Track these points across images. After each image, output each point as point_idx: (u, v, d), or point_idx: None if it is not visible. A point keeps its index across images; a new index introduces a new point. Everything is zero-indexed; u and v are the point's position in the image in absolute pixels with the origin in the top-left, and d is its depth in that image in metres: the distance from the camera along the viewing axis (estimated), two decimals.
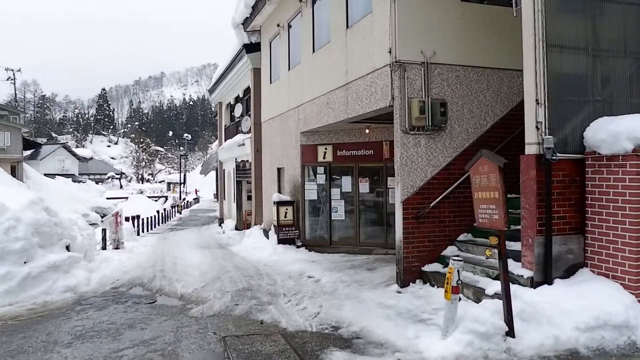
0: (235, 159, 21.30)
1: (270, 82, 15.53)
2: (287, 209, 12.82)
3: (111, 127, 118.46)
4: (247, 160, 19.23)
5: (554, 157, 6.37)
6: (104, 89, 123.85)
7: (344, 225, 12.55)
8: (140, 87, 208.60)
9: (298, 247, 12.73)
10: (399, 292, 7.85)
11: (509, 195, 6.83)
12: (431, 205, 8.18)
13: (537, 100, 6.44)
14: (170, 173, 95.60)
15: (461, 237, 8.39)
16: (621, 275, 6.08)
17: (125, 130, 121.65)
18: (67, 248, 9.00)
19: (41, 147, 63.53)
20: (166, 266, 11.14)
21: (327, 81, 10.98)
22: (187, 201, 51.81)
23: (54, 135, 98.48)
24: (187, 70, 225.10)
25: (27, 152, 53.04)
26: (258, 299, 7.69)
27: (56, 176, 50.12)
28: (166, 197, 69.77)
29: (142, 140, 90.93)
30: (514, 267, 6.53)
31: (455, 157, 8.44)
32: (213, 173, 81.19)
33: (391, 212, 11.88)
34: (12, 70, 64.76)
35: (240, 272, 10.13)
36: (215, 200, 63.67)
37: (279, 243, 12.68)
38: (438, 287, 7.68)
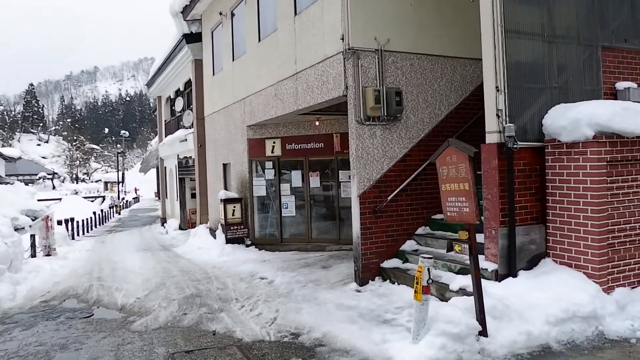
0: (177, 155, 20.33)
1: (214, 74, 14.78)
2: (234, 207, 12.19)
3: (41, 124, 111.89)
4: (190, 157, 18.35)
5: (515, 146, 6.17)
6: (31, 84, 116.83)
7: (295, 221, 12.09)
8: (72, 82, 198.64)
9: (247, 246, 12.15)
10: (359, 291, 7.49)
11: None
12: (388, 198, 7.86)
13: (497, 87, 6.22)
14: (107, 172, 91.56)
15: (419, 231, 8.14)
16: (584, 264, 5.97)
17: (57, 127, 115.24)
18: None
19: None
20: (104, 273, 10.26)
21: (274, 71, 10.44)
22: (127, 201, 49.63)
23: None
24: (123, 65, 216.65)
25: None
26: (208, 306, 7.09)
27: None
28: (104, 197, 66.64)
29: (75, 138, 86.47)
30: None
31: (411, 148, 8.16)
32: (153, 171, 78.32)
33: (343, 207, 11.56)
34: None
35: (187, 276, 9.45)
36: (157, 199, 61.41)
37: (227, 243, 12.05)
38: (399, 284, 7.38)
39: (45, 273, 10.08)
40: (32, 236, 12.55)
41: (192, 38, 16.27)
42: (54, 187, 77.34)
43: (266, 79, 10.88)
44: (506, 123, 6.19)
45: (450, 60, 8.52)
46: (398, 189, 7.94)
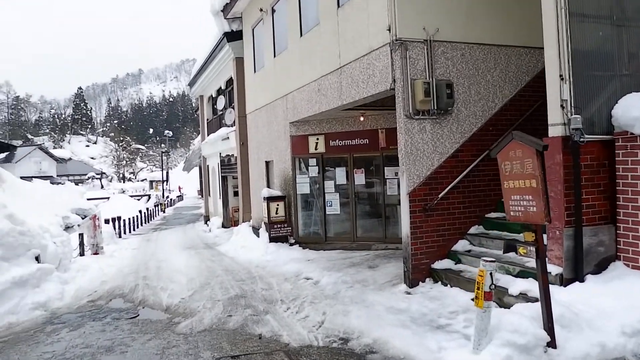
0: (220, 153, 20.40)
1: (255, 71, 14.66)
2: (278, 205, 12.02)
3: (89, 126, 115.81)
4: (232, 155, 18.35)
5: (582, 139, 5.68)
6: (80, 88, 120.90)
7: (339, 219, 11.80)
8: (118, 85, 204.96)
9: (291, 245, 11.95)
10: (409, 294, 7.14)
11: None
12: (440, 196, 7.46)
13: (561, 76, 5.73)
14: (152, 171, 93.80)
15: (473, 230, 7.70)
16: None
17: (104, 129, 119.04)
18: (37, 259, 8.11)
19: (16, 150, 61.40)
20: (150, 272, 10.28)
21: (317, 66, 10.18)
22: (171, 199, 50.62)
23: (29, 136, 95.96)
24: (166, 67, 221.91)
25: (1, 155, 51.23)
26: (253, 308, 6.91)
27: (33, 179, 48.48)
28: (149, 196, 68.36)
29: (122, 138, 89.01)
30: None
31: (463, 143, 7.72)
32: (196, 170, 79.76)
33: (389, 205, 11.21)
34: None
35: (231, 275, 9.33)
36: (199, 197, 62.48)
37: (270, 241, 11.89)
38: (451, 287, 6.98)
39: (92, 272, 10.17)
40: (81, 235, 12.77)
41: (233, 36, 16.20)
42: (102, 187, 79.82)
43: (309, 74, 10.63)
44: (571, 114, 5.70)
45: (504, 49, 8.02)
46: (450, 186, 7.52)
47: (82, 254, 12.61)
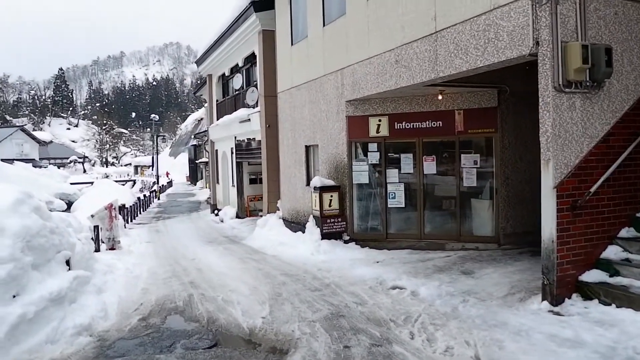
0: (235, 137, 18.61)
1: (292, 44, 12.90)
2: (331, 196, 10.40)
3: (70, 109, 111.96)
4: (253, 139, 16.61)
5: None
6: (61, 69, 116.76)
7: (403, 214, 10.23)
8: (99, 67, 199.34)
9: (345, 242, 10.38)
10: (558, 314, 5.62)
11: None
12: (592, 190, 5.93)
13: None
14: (136, 156, 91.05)
15: (623, 233, 6.20)
16: None
17: (86, 112, 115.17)
18: (67, 263, 6.38)
19: None
20: (191, 275, 8.60)
21: (395, 33, 8.53)
22: (162, 185, 48.47)
23: (8, 118, 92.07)
24: (149, 50, 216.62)
25: None
26: (367, 334, 5.31)
27: (14, 161, 45.78)
28: (134, 181, 65.94)
29: (105, 122, 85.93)
30: None
31: (614, 125, 6.18)
32: (183, 155, 77.34)
33: (465, 198, 9.71)
34: None
35: (300, 282, 7.70)
36: (189, 183, 60.40)
37: (322, 238, 10.29)
38: (617, 307, 5.48)
39: (121, 274, 8.46)
40: (96, 227, 10.97)
41: (261, 5, 14.39)
42: (84, 171, 76.94)
43: (379, 43, 8.97)
44: None
45: None
46: (601, 179, 6.00)
47: (97, 249, 10.81)
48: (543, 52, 5.80)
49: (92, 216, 11.46)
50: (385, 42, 8.83)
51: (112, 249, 11.45)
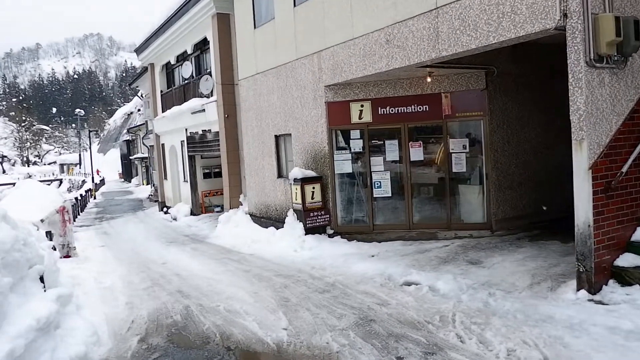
0: (186, 129, 17.41)
1: (255, 27, 12.01)
2: (314, 188, 9.72)
3: None
4: (209, 130, 15.56)
5: None
6: None
7: (390, 204, 9.74)
8: (12, 60, 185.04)
9: (330, 236, 9.76)
10: (601, 303, 5.31)
11: None
12: (623, 171, 5.66)
13: None
14: (60, 154, 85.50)
15: None
16: None
17: (1, 108, 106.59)
18: (41, 279, 5.33)
19: None
20: (174, 282, 7.65)
21: (384, 11, 7.96)
22: (95, 183, 45.58)
23: None
24: (67, 41, 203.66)
25: None
26: (412, 341, 4.72)
27: None
28: (61, 181, 61.73)
29: (24, 118, 79.88)
30: None
31: (637, 101, 5.95)
32: (113, 151, 73.35)
33: (454, 184, 9.36)
34: None
35: (301, 284, 6.99)
36: (122, 180, 57.26)
37: (306, 233, 9.60)
38: None
39: (91, 286, 7.41)
40: (49, 233, 9.65)
41: None
42: (4, 171, 71.36)
43: (366, 22, 8.36)
44: None
45: None
46: (630, 158, 5.74)
47: None
48: (573, 24, 5.42)
49: (42, 221, 10.09)
50: (372, 21, 8.23)
51: (68, 256, 10.20)
